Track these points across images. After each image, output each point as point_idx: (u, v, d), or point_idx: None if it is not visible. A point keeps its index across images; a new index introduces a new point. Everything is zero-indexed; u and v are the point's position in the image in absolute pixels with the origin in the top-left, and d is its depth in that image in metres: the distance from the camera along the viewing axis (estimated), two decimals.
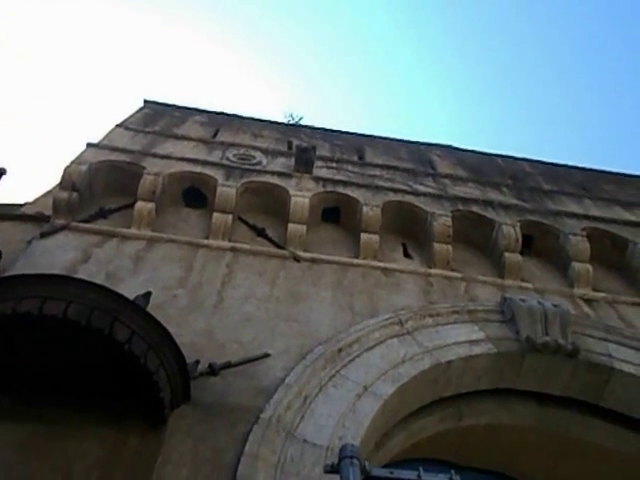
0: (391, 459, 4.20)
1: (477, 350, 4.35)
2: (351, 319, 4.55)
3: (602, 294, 5.39)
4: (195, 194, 5.81)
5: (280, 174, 6.05)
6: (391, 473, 2.42)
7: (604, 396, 4.46)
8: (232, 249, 5.20)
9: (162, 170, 5.69)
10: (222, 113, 7.85)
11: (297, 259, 5.21)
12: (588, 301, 5.27)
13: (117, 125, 6.63)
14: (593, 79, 28.92)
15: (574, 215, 6.17)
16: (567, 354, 4.38)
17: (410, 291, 5.05)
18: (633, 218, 6.34)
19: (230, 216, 5.45)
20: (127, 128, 6.61)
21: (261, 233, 5.48)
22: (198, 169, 5.86)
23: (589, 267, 5.53)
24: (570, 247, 5.66)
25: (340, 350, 4.11)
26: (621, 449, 4.50)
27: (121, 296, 3.30)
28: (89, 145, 5.91)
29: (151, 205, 5.37)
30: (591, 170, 8.14)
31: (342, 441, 3.35)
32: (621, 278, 5.77)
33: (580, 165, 8.21)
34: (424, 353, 4.22)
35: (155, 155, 5.96)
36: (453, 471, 2.47)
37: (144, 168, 5.66)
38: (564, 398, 4.55)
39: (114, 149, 5.94)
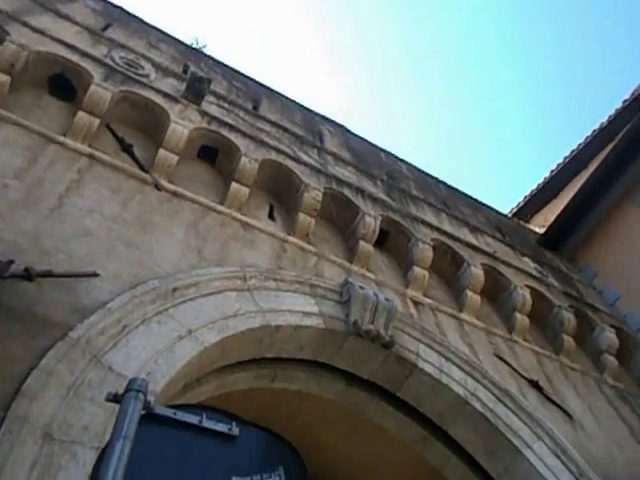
0: (198, 404, 4.22)
1: (307, 322, 4.51)
2: (196, 263, 4.44)
3: (429, 300, 5.91)
4: (64, 84, 5.17)
5: (166, 95, 5.64)
6: (174, 414, 2.40)
7: (403, 388, 4.91)
8: (90, 156, 4.75)
9: (30, 44, 4.97)
10: (121, 8, 7.06)
11: (158, 187, 4.92)
12: (416, 303, 5.74)
13: None
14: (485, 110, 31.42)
15: (429, 225, 6.65)
16: (383, 344, 4.73)
17: (263, 251, 5.06)
18: (475, 242, 7.02)
19: (98, 120, 4.96)
20: None
21: (127, 149, 5.07)
22: (74, 58, 5.21)
23: (426, 274, 6.02)
24: (416, 252, 6.11)
25: (175, 289, 3.99)
26: (402, 436, 5.01)
27: None
28: None
29: (6, 78, 4.66)
30: (456, 190, 8.83)
31: (150, 377, 3.27)
32: (449, 291, 6.37)
33: (449, 182, 8.87)
34: (257, 312, 4.27)
35: (26, 25, 5.17)
36: (234, 422, 2.53)
37: (8, 34, 4.88)
38: (370, 382, 4.92)
39: None
